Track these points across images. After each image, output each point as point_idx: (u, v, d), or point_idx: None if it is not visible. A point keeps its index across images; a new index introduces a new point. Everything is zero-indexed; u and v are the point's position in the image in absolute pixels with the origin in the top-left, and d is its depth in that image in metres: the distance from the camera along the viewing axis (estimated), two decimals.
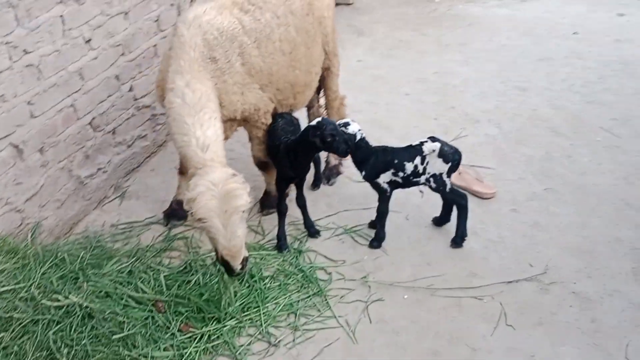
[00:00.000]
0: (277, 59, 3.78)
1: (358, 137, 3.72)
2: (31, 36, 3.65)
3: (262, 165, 4.13)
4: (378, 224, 3.93)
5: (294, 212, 4.14)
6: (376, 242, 3.94)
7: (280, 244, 3.91)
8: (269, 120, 3.98)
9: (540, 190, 4.44)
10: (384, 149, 3.79)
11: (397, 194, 3.95)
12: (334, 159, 4.60)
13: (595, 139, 5.09)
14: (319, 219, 4.22)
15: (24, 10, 3.56)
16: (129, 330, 3.14)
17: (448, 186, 3.78)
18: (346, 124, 3.73)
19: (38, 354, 3.02)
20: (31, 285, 3.32)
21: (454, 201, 3.84)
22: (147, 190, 4.57)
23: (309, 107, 4.78)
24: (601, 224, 4.09)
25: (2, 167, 3.62)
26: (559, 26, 7.47)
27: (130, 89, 4.63)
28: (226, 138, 3.89)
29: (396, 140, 4.98)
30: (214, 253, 3.61)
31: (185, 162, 3.44)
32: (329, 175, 4.58)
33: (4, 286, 3.23)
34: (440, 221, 4.09)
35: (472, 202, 4.10)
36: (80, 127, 4.20)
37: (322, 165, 4.61)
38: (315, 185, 4.50)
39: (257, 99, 3.76)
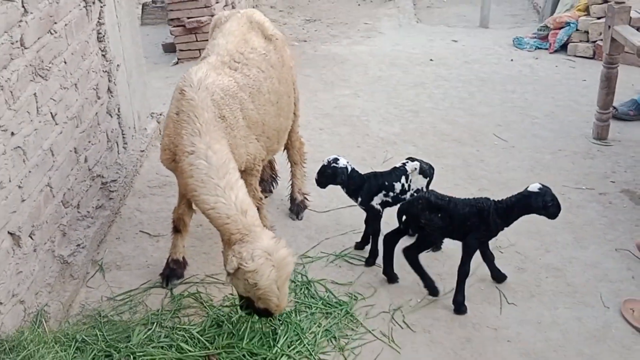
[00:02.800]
0: (268, 109, 4.06)
1: (349, 169, 4.13)
2: (16, 117, 3.52)
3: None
4: (372, 242, 4.34)
5: None
6: (372, 259, 4.34)
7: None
8: (261, 167, 4.22)
9: (475, 191, 5.19)
10: (375, 175, 4.25)
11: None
12: (299, 195, 4.92)
13: (493, 143, 6.04)
14: (307, 251, 4.50)
15: (9, 91, 3.44)
16: None
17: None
18: (335, 160, 4.13)
19: None
20: None
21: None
22: (124, 258, 4.47)
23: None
24: None
25: (7, 258, 3.42)
26: (414, 56, 8.57)
27: (85, 160, 4.54)
28: None
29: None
30: (231, 302, 3.81)
31: (217, 223, 3.46)
32: (297, 210, 4.88)
33: None
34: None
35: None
36: (56, 206, 4.05)
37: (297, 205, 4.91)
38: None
39: (255, 149, 3.99)
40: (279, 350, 3.56)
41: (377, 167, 5.50)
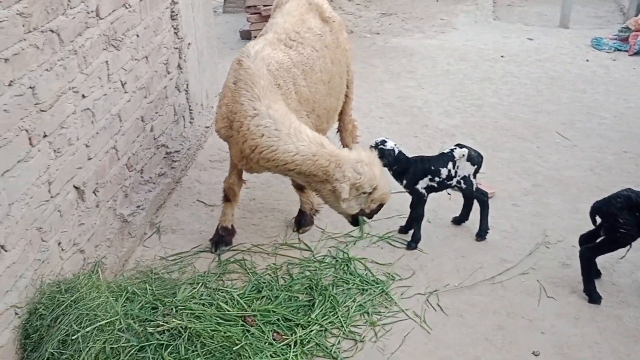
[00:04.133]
0: (319, 87, 4.21)
1: (396, 152, 4.21)
2: (87, 81, 3.82)
3: (301, 186, 4.47)
4: (415, 226, 4.41)
5: (329, 225, 4.55)
6: (413, 243, 4.41)
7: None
8: None
9: (529, 186, 5.14)
10: (421, 159, 4.31)
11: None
12: None
13: (555, 141, 5.92)
14: (352, 231, 4.61)
15: (82, 56, 3.75)
16: (236, 343, 3.35)
17: (475, 186, 4.34)
18: (383, 141, 4.22)
19: None
20: (121, 317, 3.44)
21: (479, 199, 4.41)
22: (180, 223, 4.75)
23: None
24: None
25: (70, 209, 3.73)
26: (485, 51, 8.46)
27: (152, 129, 4.83)
28: (263, 171, 4.22)
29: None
30: (272, 270, 3.98)
31: (305, 166, 3.72)
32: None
33: (103, 319, 3.33)
34: (459, 220, 4.63)
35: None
36: (120, 168, 4.35)
37: None
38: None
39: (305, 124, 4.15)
40: (312, 319, 3.71)
41: None
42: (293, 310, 3.79)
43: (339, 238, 4.55)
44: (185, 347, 3.31)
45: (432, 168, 4.28)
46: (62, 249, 3.66)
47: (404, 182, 4.31)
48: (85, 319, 3.29)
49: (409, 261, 4.31)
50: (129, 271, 4.21)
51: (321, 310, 3.80)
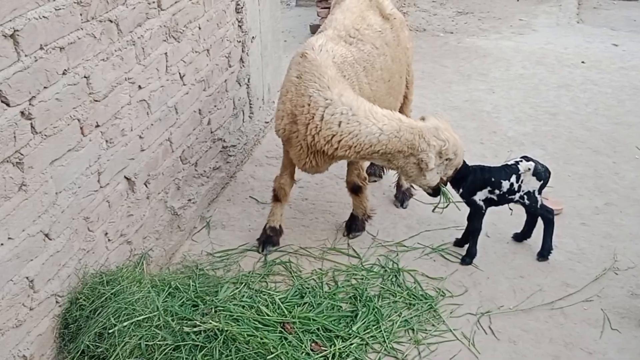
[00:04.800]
0: (380, 86, 4.05)
1: None
2: (145, 72, 3.80)
3: (356, 190, 4.32)
4: (470, 240, 4.17)
5: (381, 232, 4.38)
6: (468, 258, 4.17)
7: None
8: None
9: (601, 205, 4.78)
10: (482, 168, 4.07)
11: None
12: (406, 183, 4.84)
13: (635, 157, 5.50)
14: (404, 240, 4.43)
15: (141, 47, 3.72)
16: (271, 351, 3.25)
17: (540, 202, 4.06)
18: None
19: None
20: (161, 312, 3.40)
21: (543, 216, 4.12)
22: (230, 219, 4.70)
23: None
24: None
25: (119, 200, 3.72)
26: (565, 56, 8.00)
27: (209, 123, 4.80)
28: (323, 170, 4.10)
29: None
30: (318, 275, 3.87)
31: (394, 144, 3.67)
32: (402, 198, 4.81)
33: (140, 314, 3.30)
34: (522, 237, 4.36)
35: None
36: (174, 160, 4.33)
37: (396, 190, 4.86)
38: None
39: None
40: (353, 331, 3.56)
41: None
42: (334, 320, 3.66)
43: (389, 246, 4.37)
44: (220, 350, 3.24)
45: (493, 179, 4.03)
46: (109, 240, 3.66)
47: (461, 190, 4.08)
48: (123, 312, 3.27)
49: (462, 277, 4.08)
50: (175, 265, 4.19)
51: (363, 323, 3.65)
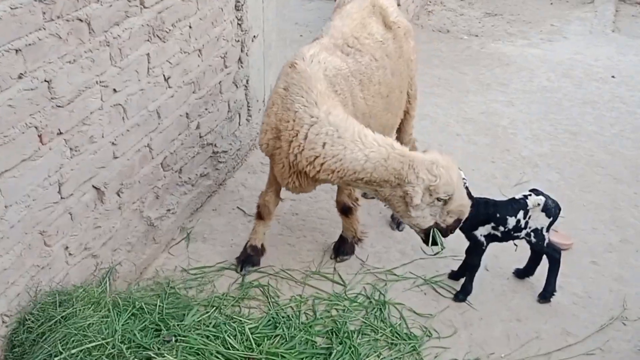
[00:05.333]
0: (377, 101, 3.73)
1: None
2: (121, 75, 3.53)
3: (345, 210, 4.02)
4: (467, 277, 3.84)
5: (372, 257, 4.06)
6: (462, 295, 3.84)
7: None
8: None
9: (616, 242, 4.39)
10: (487, 202, 3.72)
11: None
12: None
13: None
14: (395, 268, 4.11)
15: (117, 48, 3.44)
16: None
17: (547, 240, 3.70)
18: None
19: None
20: (116, 339, 3.13)
21: (549, 255, 3.77)
22: (212, 232, 4.43)
23: None
24: None
25: (85, 211, 3.47)
26: (594, 69, 7.52)
27: (197, 127, 4.51)
28: (308, 191, 3.80)
29: None
30: (296, 303, 3.56)
31: (379, 172, 3.33)
32: (399, 220, 4.48)
33: (91, 341, 3.04)
34: (524, 273, 4.01)
35: None
36: (153, 167, 4.06)
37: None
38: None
39: None
40: None
41: (506, 189, 4.92)
42: (306, 358, 3.36)
43: (379, 274, 4.05)
44: None
45: (498, 215, 3.67)
46: (70, 254, 3.41)
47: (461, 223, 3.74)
48: (72, 339, 3.02)
49: (452, 316, 3.75)
50: (145, 280, 3.94)
51: None
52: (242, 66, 5.03)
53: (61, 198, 3.25)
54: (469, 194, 3.66)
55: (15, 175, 2.90)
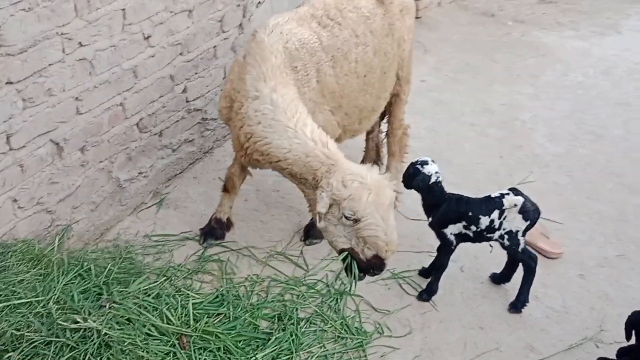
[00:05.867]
0: (351, 81, 3.48)
1: (433, 180, 3.39)
2: (88, 29, 3.41)
3: None
4: (433, 276, 3.60)
5: None
6: (426, 294, 3.60)
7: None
8: None
9: (612, 256, 4.03)
10: (459, 198, 3.45)
11: None
12: None
13: None
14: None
15: (85, 1, 3.32)
16: None
17: (521, 245, 3.41)
18: (423, 162, 3.42)
19: None
20: (50, 298, 3.06)
21: (524, 262, 3.48)
22: (187, 199, 4.31)
23: (369, 132, 4.47)
24: None
25: (39, 165, 3.40)
26: (638, 68, 6.95)
27: (184, 91, 4.38)
28: (263, 167, 3.61)
29: (455, 177, 4.63)
30: (251, 283, 3.40)
31: (298, 167, 3.11)
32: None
33: (20, 298, 2.98)
34: (499, 279, 3.73)
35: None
36: (127, 128, 3.96)
37: None
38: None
39: (325, 122, 3.46)
40: (257, 359, 3.10)
41: (505, 187, 4.57)
42: (244, 341, 3.20)
43: None
44: (91, 355, 2.87)
45: (470, 214, 3.40)
46: (19, 207, 3.36)
47: (430, 219, 3.49)
48: (1, 293, 2.97)
49: (411, 315, 3.52)
50: (105, 242, 3.86)
51: (273, 350, 3.17)
52: (243, 32, 4.84)
53: (10, 149, 3.19)
54: (440, 189, 3.40)
55: None
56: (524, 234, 3.42)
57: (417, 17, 7.71)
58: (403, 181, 3.57)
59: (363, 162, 4.60)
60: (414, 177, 3.43)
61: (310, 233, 3.97)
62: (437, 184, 3.43)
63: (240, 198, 4.34)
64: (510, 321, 3.50)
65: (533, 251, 3.58)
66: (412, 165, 3.47)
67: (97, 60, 3.54)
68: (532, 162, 5.01)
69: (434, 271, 3.60)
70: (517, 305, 3.52)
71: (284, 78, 3.14)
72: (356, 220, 2.94)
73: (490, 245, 3.65)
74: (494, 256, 3.80)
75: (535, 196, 4.35)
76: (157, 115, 4.19)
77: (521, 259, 3.48)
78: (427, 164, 3.44)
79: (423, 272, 3.76)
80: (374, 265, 3.12)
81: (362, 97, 3.62)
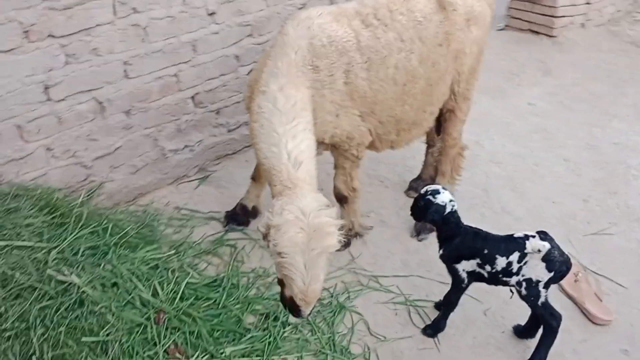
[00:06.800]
0: (387, 87, 3.21)
1: (448, 210, 3.04)
2: None
3: (341, 198, 3.62)
4: (441, 312, 3.24)
5: (367, 258, 3.62)
6: (431, 330, 3.25)
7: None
8: (362, 154, 3.45)
9: None
10: (476, 232, 3.07)
11: None
12: None
13: None
14: (384, 276, 3.61)
15: None
16: (108, 334, 2.85)
17: (541, 299, 2.96)
18: (435, 192, 3.07)
19: (17, 324, 2.86)
20: (55, 247, 3.18)
21: (543, 319, 3.01)
22: (231, 181, 4.29)
23: (429, 146, 4.16)
24: None
25: (78, 120, 3.54)
26: None
27: (249, 73, 4.34)
28: None
29: (521, 211, 4.18)
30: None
31: (268, 177, 2.91)
32: (419, 229, 3.92)
33: (24, 240, 3.12)
34: (522, 333, 3.27)
35: (574, 320, 3.29)
36: (180, 99, 4.01)
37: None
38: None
39: (352, 127, 3.24)
40: (226, 356, 2.98)
41: (575, 235, 4.05)
42: (220, 332, 3.10)
43: (362, 277, 3.60)
44: (61, 309, 2.92)
45: (486, 251, 3.00)
46: (53, 156, 3.52)
47: (441, 252, 3.13)
48: (7, 233, 3.12)
49: (408, 347, 3.20)
50: (137, 206, 3.95)
51: (245, 348, 3.04)
52: None
53: (48, 99, 3.34)
54: (456, 220, 3.04)
55: None
56: (546, 287, 2.95)
57: (550, 36, 7.16)
58: (413, 214, 3.22)
59: (420, 177, 4.30)
60: (426, 210, 3.08)
61: None
62: (453, 213, 3.07)
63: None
64: None
65: (572, 301, 3.09)
66: (422, 196, 3.10)
67: (151, 28, 3.61)
68: (621, 214, 4.35)
69: (443, 306, 3.24)
70: None
71: (298, 78, 2.95)
72: (279, 254, 2.62)
73: (511, 291, 3.21)
74: (527, 307, 3.34)
75: (607, 252, 3.86)
76: (216, 93, 4.20)
77: (540, 314, 3.02)
78: (439, 192, 3.08)
79: (438, 306, 3.40)
80: (289, 307, 2.78)
81: (400, 107, 3.32)
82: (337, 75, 3.09)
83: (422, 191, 3.11)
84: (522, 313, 3.36)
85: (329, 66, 3.06)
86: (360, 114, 3.24)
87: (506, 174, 4.68)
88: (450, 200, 3.05)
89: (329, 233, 2.60)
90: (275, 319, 3.21)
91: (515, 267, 2.96)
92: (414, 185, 4.25)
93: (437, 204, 3.04)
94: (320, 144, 3.31)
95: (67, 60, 3.32)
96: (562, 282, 3.58)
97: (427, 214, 3.06)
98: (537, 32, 7.27)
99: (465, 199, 4.29)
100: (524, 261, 2.94)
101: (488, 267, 3.01)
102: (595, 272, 3.74)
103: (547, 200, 4.43)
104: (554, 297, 3.48)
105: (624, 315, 3.46)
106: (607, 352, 3.25)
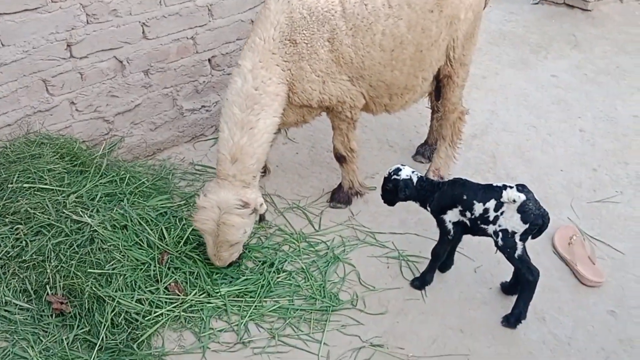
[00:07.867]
0: (373, 54, 3.33)
1: (415, 180, 3.20)
2: None
3: (339, 158, 3.78)
4: (428, 265, 3.38)
5: (366, 216, 3.79)
6: (418, 282, 3.41)
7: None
8: (357, 116, 3.60)
9: None
10: (454, 182, 3.21)
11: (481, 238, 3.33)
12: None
13: None
14: (380, 233, 3.77)
15: None
16: (113, 268, 3.13)
17: (518, 251, 3.06)
18: (396, 171, 3.24)
19: (35, 256, 3.17)
20: (74, 192, 3.47)
21: (519, 272, 3.12)
22: None
23: (434, 112, 4.27)
24: None
25: (99, 77, 3.81)
26: None
27: None
28: (305, 122, 3.64)
29: (527, 177, 4.25)
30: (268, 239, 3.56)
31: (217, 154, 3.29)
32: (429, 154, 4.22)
33: (46, 184, 3.43)
34: (508, 290, 3.38)
35: (565, 281, 3.39)
36: (197, 62, 4.23)
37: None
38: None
39: (341, 91, 3.39)
40: (221, 295, 3.23)
41: (580, 202, 4.10)
42: (218, 274, 3.35)
43: (359, 232, 3.77)
44: (74, 245, 3.22)
45: (465, 197, 3.12)
46: (77, 110, 3.81)
47: (429, 208, 3.27)
48: (29, 175, 3.43)
49: (395, 297, 3.36)
50: (155, 160, 4.22)
51: (240, 289, 3.28)
52: None
53: (71, 56, 3.62)
54: (429, 182, 3.24)
55: (15, 20, 3.30)
56: (523, 239, 3.05)
57: (585, 10, 7.04)
58: (386, 200, 3.37)
59: (426, 142, 4.41)
60: (396, 189, 3.23)
61: (335, 196, 3.94)
62: (421, 179, 3.24)
63: (293, 150, 4.45)
64: (498, 335, 3.17)
65: (564, 262, 3.18)
66: (387, 179, 3.27)
67: None
68: (629, 183, 4.35)
69: (430, 259, 3.38)
70: (510, 319, 3.17)
71: (273, 55, 3.16)
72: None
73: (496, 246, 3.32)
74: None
75: (609, 219, 3.92)
76: (233, 57, 4.41)
77: (517, 267, 3.12)
78: (400, 169, 3.25)
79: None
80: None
81: (390, 73, 3.42)
82: (318, 45, 3.23)
83: (385, 175, 3.27)
84: (512, 271, 3.47)
85: (309, 38, 3.21)
86: (349, 79, 3.38)
87: (517, 142, 4.73)
88: (413, 171, 3.22)
89: (230, 232, 3.11)
90: (271, 265, 3.43)
91: (492, 214, 3.06)
92: (421, 150, 4.37)
93: (404, 180, 3.20)
94: (312, 109, 3.49)
95: (88, 19, 3.58)
96: (556, 243, 3.68)
97: (398, 192, 3.21)
98: (572, 6, 7.16)
99: (472, 165, 4.39)
100: (500, 210, 3.04)
101: (468, 214, 3.13)
102: (592, 237, 3.78)
103: (554, 169, 4.46)
104: (547, 258, 3.59)
105: (617, 279, 3.51)
106: (592, 312, 3.32)
